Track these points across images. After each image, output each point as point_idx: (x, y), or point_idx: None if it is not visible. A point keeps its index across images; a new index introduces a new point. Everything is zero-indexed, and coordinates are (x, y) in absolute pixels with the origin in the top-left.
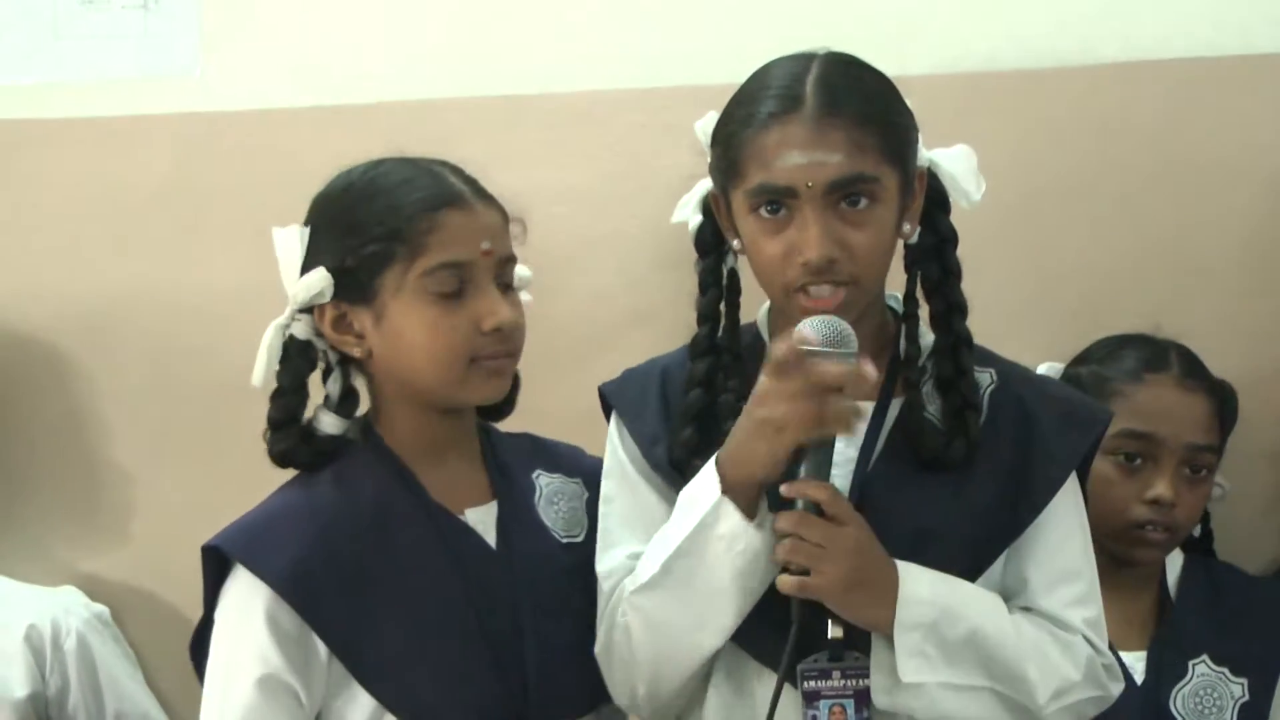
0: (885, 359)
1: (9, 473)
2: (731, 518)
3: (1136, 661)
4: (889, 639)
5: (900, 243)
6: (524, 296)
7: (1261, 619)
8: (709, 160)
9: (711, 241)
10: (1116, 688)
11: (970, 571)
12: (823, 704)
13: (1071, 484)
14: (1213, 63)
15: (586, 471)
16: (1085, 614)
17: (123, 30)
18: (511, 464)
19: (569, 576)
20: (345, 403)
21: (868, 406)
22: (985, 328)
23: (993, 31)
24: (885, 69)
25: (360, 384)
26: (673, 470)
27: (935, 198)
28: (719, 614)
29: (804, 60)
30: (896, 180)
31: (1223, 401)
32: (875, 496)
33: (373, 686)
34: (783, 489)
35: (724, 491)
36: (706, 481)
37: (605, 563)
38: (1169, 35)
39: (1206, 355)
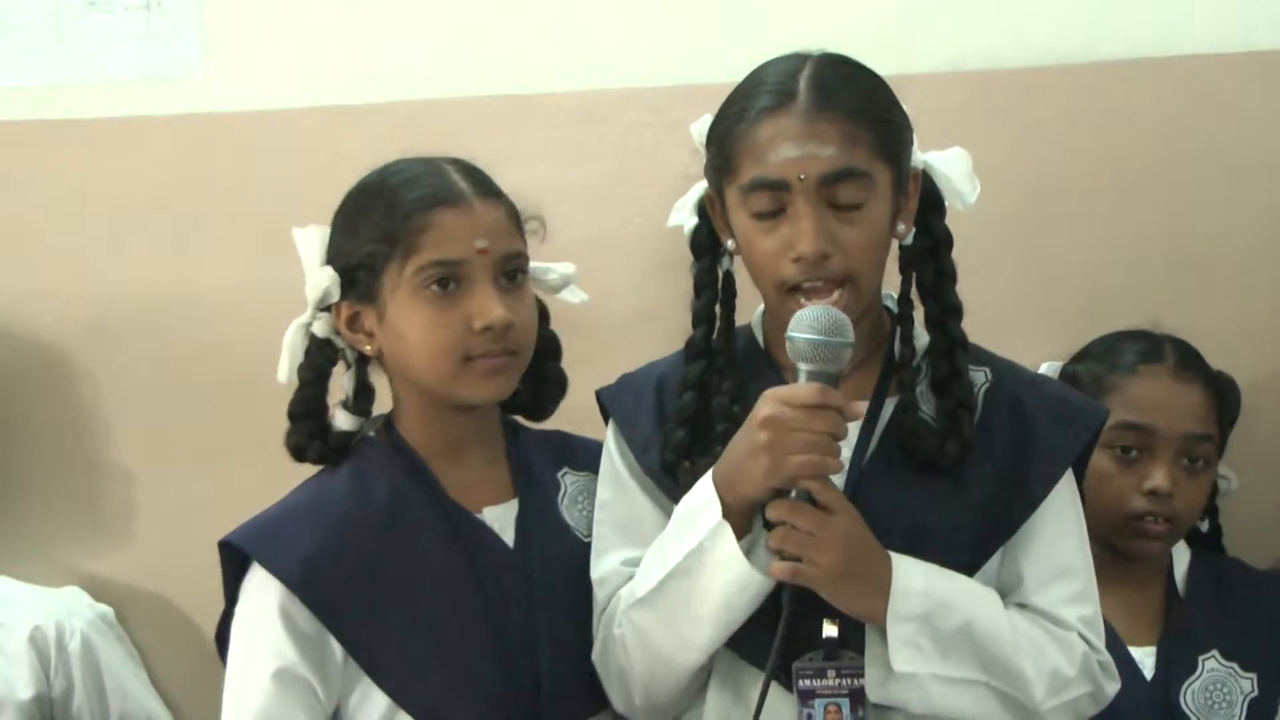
0: (880, 359)
1: (11, 473)
2: (728, 546)
3: (1146, 657)
4: (883, 632)
5: (895, 244)
6: (572, 295)
7: (1270, 614)
8: (704, 161)
9: (707, 244)
10: (1112, 687)
11: (966, 569)
12: (818, 703)
13: (1067, 482)
14: (1214, 60)
15: None
16: (1081, 611)
17: (125, 31)
18: (536, 462)
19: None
20: (360, 400)
21: (862, 406)
22: (986, 326)
23: (994, 30)
24: (887, 67)
25: (383, 382)
26: (665, 475)
27: (930, 200)
28: (701, 637)
29: (798, 59)
30: (889, 177)
31: (1220, 392)
32: (870, 495)
33: (384, 683)
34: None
35: (724, 515)
36: (706, 500)
37: (599, 569)
38: (1170, 33)
39: (1209, 352)
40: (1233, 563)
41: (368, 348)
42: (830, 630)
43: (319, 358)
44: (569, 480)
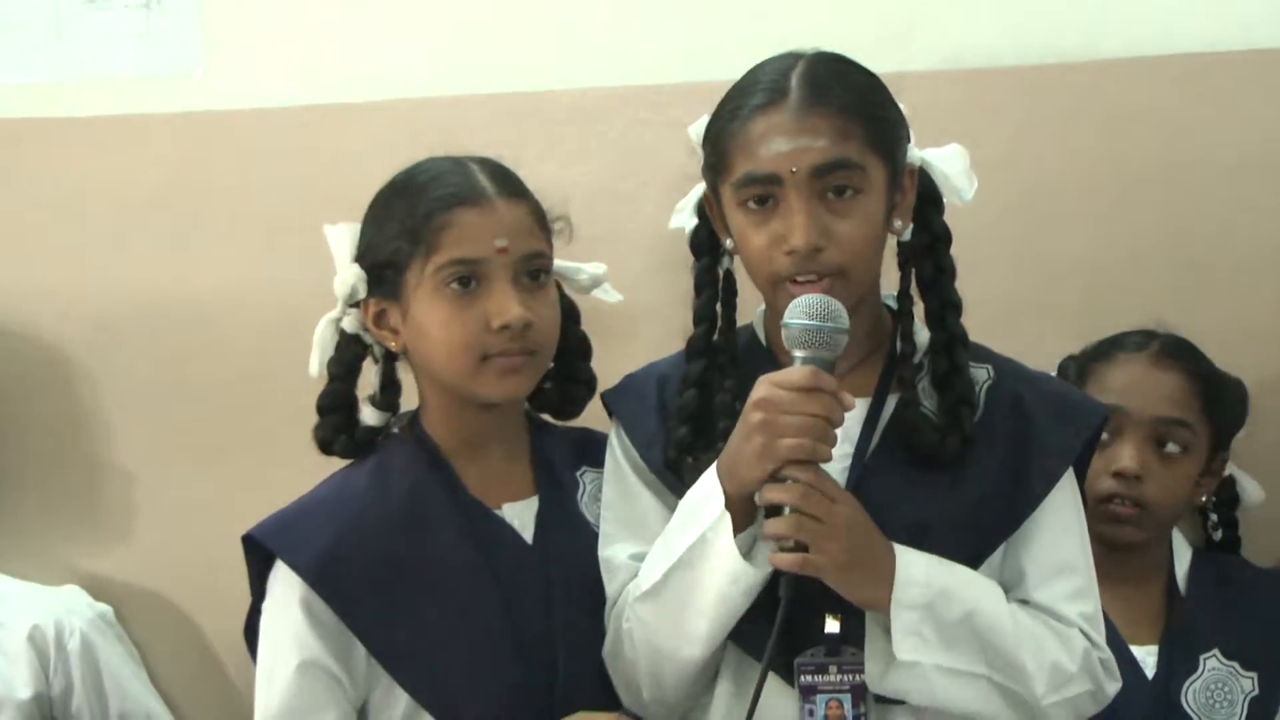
0: (882, 356)
1: (10, 472)
2: (726, 537)
3: (1147, 656)
4: (884, 624)
5: (895, 241)
6: (605, 295)
7: (1271, 613)
8: (701, 162)
9: (706, 244)
10: (1113, 686)
11: (967, 564)
12: (819, 698)
13: (1068, 479)
14: (1215, 58)
15: None
16: (1082, 608)
17: (125, 29)
18: (558, 460)
19: None
20: (386, 395)
21: (852, 399)
22: (987, 324)
23: (994, 28)
24: (886, 65)
25: (410, 378)
26: (668, 472)
27: (928, 196)
28: (699, 630)
29: (791, 58)
30: (883, 172)
31: (1209, 384)
32: (872, 491)
33: (400, 676)
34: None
35: (726, 506)
36: (710, 492)
37: (607, 563)
38: (1171, 31)
39: (1211, 352)
40: (1234, 561)
41: (393, 344)
42: (832, 626)
43: (348, 353)
44: (589, 478)
